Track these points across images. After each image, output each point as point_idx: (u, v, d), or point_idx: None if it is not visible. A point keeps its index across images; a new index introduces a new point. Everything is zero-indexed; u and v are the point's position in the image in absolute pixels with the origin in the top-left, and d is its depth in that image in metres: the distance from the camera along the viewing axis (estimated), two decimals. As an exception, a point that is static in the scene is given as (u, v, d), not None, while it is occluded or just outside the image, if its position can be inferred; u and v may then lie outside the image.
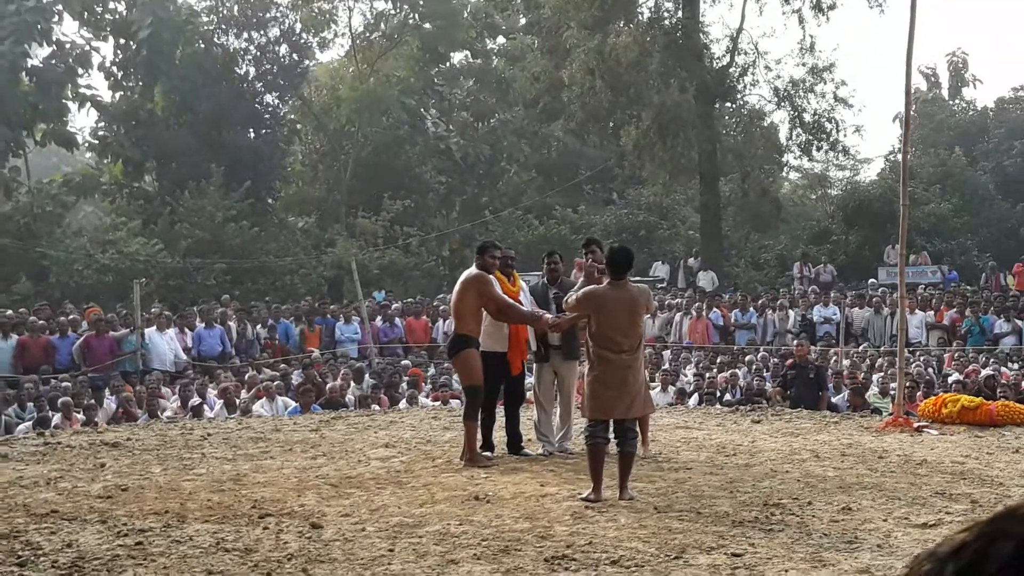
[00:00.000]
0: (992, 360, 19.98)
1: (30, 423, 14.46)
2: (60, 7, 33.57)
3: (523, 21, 40.48)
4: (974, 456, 10.53)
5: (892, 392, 14.81)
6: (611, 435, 8.56)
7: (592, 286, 8.96)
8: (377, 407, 15.74)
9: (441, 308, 23.32)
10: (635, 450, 8.66)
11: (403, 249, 33.35)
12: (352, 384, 17.81)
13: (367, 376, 18.69)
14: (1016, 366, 20.03)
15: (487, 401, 10.31)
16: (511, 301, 10.14)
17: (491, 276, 10.16)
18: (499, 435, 10.67)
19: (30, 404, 15.76)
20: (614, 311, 8.44)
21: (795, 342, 18.91)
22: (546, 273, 11.07)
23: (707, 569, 6.20)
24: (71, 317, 20.67)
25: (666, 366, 19.53)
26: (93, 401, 15.67)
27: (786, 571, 6.17)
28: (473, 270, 10.27)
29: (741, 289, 28.44)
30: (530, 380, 11.53)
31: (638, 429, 9.05)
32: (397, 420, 13.12)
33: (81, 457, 10.16)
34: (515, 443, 10.60)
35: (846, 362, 19.93)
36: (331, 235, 35.06)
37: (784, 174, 39.38)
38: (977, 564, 1.06)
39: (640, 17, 31.70)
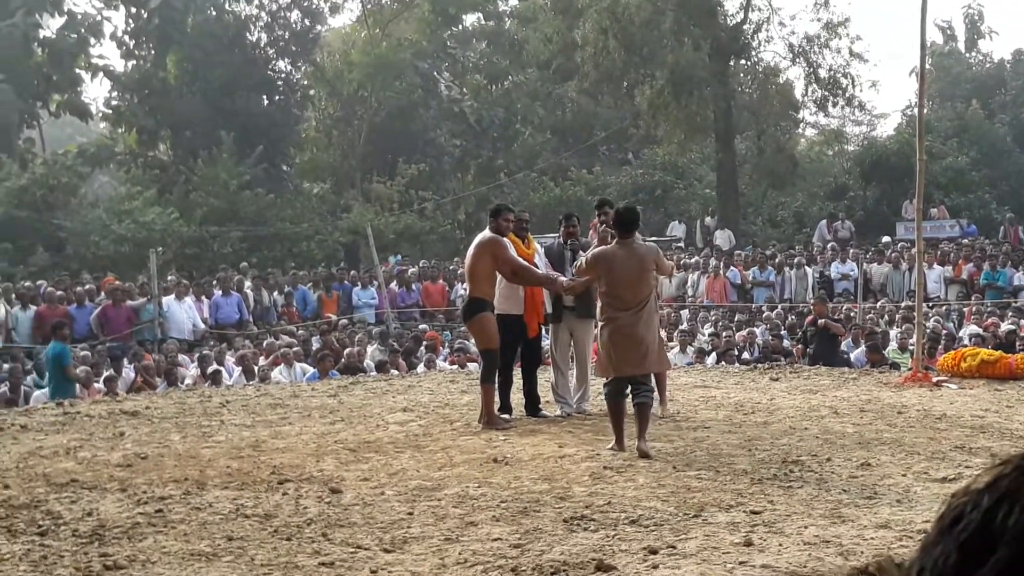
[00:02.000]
0: (1011, 313, 19.87)
1: (48, 392, 14.52)
2: (71, -23, 33.57)
3: (535, -19, 40.21)
4: (994, 410, 10.49)
5: (911, 347, 14.74)
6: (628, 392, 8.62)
7: (601, 247, 8.99)
8: (395, 372, 15.76)
9: (458, 272, 23.30)
10: (650, 401, 8.66)
11: (418, 213, 33.30)
12: (370, 349, 17.82)
13: (386, 341, 18.73)
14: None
15: (504, 364, 10.28)
16: (525, 264, 10.10)
17: (505, 239, 10.11)
18: (516, 397, 10.68)
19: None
20: (622, 269, 8.54)
21: (812, 300, 18.84)
22: (563, 235, 11.04)
23: (726, 527, 6.19)
24: (88, 287, 20.76)
25: (684, 326, 19.47)
26: (112, 371, 15.74)
27: (805, 527, 6.16)
28: (487, 233, 10.20)
29: (759, 246, 28.32)
30: (547, 342, 11.52)
31: (653, 384, 9.04)
32: (415, 384, 13.12)
33: (100, 426, 10.19)
34: (533, 405, 10.60)
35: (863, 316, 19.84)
36: (346, 201, 35.05)
37: (800, 131, 39.15)
38: (1014, 492, 1.04)
39: (653, -26, 31.41)
